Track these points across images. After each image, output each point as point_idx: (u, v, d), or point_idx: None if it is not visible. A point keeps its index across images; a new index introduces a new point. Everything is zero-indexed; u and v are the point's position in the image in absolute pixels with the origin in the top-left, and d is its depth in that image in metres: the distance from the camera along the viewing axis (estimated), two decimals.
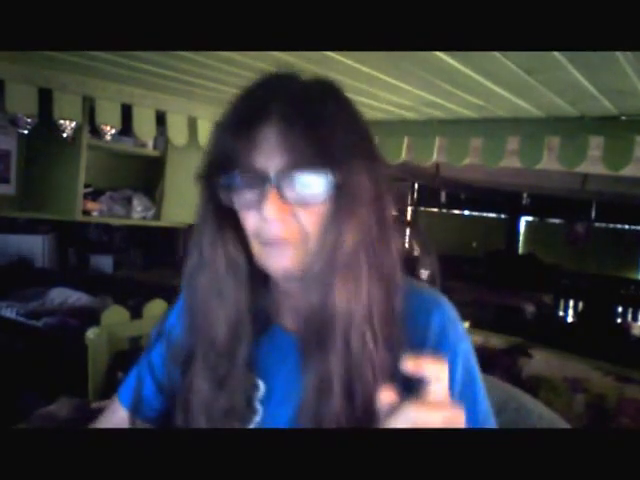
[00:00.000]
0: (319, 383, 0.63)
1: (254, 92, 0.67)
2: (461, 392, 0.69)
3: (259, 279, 0.71)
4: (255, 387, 0.71)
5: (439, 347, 0.68)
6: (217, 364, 0.69)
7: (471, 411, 0.66)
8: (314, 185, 0.61)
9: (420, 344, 0.67)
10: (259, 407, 0.72)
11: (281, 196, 0.62)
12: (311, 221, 0.63)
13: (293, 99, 0.63)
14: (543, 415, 1.13)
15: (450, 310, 0.73)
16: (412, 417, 0.52)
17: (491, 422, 0.73)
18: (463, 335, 0.72)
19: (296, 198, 0.62)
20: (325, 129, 0.60)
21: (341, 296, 0.62)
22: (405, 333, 0.66)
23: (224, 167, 0.66)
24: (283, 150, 0.61)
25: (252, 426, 0.71)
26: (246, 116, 0.64)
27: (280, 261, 0.65)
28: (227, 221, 0.70)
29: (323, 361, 0.63)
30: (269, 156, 0.62)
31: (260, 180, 0.63)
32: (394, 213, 0.66)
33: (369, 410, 0.60)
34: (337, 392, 0.63)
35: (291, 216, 0.63)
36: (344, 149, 0.61)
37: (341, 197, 0.61)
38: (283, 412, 0.70)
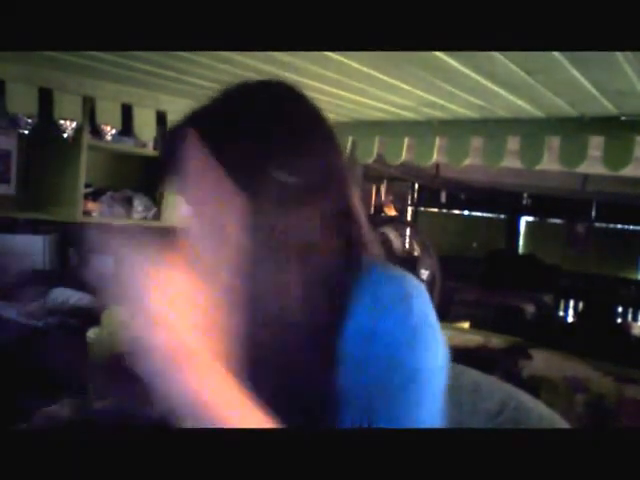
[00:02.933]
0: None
1: None
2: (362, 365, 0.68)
3: None
4: None
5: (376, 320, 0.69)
6: None
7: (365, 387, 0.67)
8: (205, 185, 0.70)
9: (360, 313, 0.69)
10: None
11: (187, 197, 0.75)
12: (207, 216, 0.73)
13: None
14: (543, 415, 1.13)
15: (407, 290, 0.71)
16: None
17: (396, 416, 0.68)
18: (408, 319, 0.70)
19: (197, 196, 0.73)
20: (215, 138, 0.70)
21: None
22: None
23: None
24: (185, 158, 0.72)
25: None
26: None
27: (197, 253, 0.75)
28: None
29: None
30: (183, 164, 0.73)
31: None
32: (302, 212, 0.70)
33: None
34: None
35: (198, 213, 0.74)
36: (232, 149, 0.69)
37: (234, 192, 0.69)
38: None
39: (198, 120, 0.73)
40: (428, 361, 0.69)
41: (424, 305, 0.71)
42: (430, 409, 0.69)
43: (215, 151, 0.69)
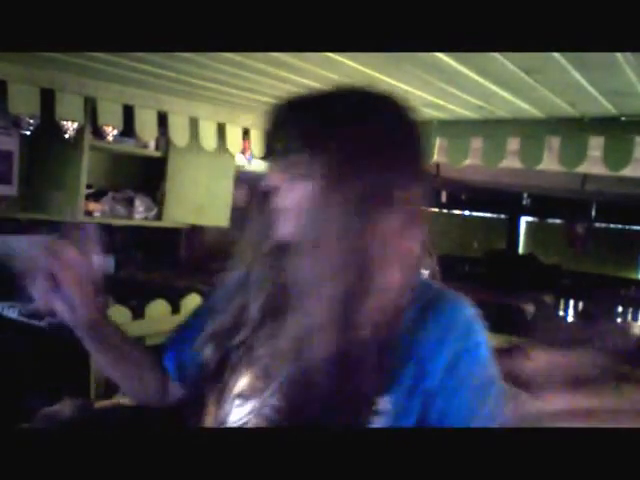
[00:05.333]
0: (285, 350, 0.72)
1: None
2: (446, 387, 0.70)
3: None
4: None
5: (458, 342, 0.71)
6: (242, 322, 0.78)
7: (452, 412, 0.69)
8: (297, 166, 0.72)
9: (440, 339, 0.71)
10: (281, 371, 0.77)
11: (276, 170, 0.75)
12: (291, 195, 0.74)
13: (310, 103, 0.77)
14: (543, 416, 1.14)
15: (472, 311, 0.75)
16: None
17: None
18: (478, 336, 0.74)
19: (285, 174, 0.74)
20: (325, 127, 0.72)
21: (303, 272, 0.71)
22: (407, 326, 0.70)
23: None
24: (283, 136, 0.75)
25: (274, 383, 0.76)
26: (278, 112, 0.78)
27: (281, 228, 0.75)
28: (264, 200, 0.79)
29: (286, 324, 0.72)
30: (277, 140, 0.76)
31: (268, 158, 0.77)
32: (398, 221, 0.71)
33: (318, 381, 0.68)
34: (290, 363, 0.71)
35: (283, 189, 0.74)
36: (331, 145, 0.70)
37: (319, 181, 0.70)
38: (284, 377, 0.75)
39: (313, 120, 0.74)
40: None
41: (482, 329, 0.75)
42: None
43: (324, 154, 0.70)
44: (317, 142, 0.71)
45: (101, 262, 0.85)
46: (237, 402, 0.77)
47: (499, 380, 0.73)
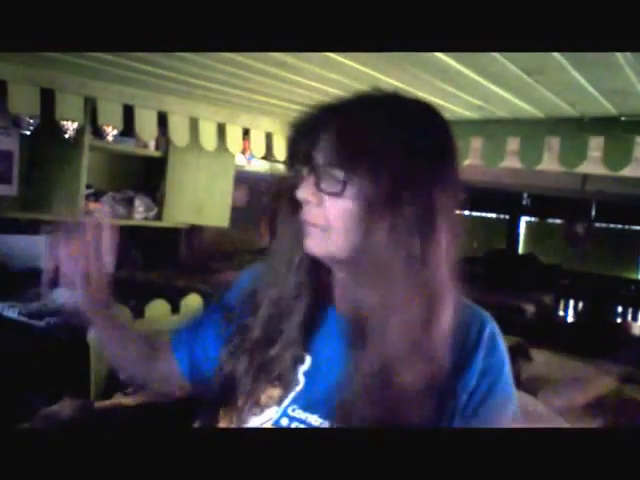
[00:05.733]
0: (356, 366, 0.70)
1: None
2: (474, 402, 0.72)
3: (320, 267, 0.78)
4: (301, 359, 0.77)
5: (483, 361, 0.73)
6: (268, 331, 0.78)
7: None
8: (339, 181, 0.69)
9: (466, 357, 0.72)
10: (302, 378, 0.77)
11: (312, 183, 0.71)
12: (334, 212, 0.70)
13: (347, 111, 0.74)
14: (542, 414, 1.14)
15: (495, 327, 0.77)
16: None
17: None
18: (502, 354, 0.76)
19: (323, 188, 0.70)
20: (359, 140, 0.69)
21: (371, 292, 0.69)
22: (451, 345, 0.70)
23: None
24: (321, 149, 0.71)
25: (292, 394, 0.76)
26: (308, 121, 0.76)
27: (309, 242, 0.73)
28: (293, 209, 0.77)
29: (359, 348, 0.70)
30: (313, 152, 0.72)
31: (301, 170, 0.73)
32: (448, 233, 0.70)
33: (397, 404, 0.67)
34: (367, 379, 0.68)
35: (319, 203, 0.71)
36: (375, 159, 0.68)
37: (364, 199, 0.68)
38: (322, 387, 0.74)
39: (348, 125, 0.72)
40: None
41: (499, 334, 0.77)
42: None
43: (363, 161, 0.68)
44: (356, 158, 0.68)
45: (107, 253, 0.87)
46: (254, 411, 0.77)
47: (515, 397, 0.75)
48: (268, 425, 0.75)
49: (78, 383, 1.92)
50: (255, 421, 0.76)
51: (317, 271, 0.76)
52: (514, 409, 0.74)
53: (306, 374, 0.77)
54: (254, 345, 0.78)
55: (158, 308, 2.32)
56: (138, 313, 2.25)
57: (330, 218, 0.71)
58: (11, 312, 2.39)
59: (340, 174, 0.69)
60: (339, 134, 0.70)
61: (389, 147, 0.69)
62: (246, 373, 0.77)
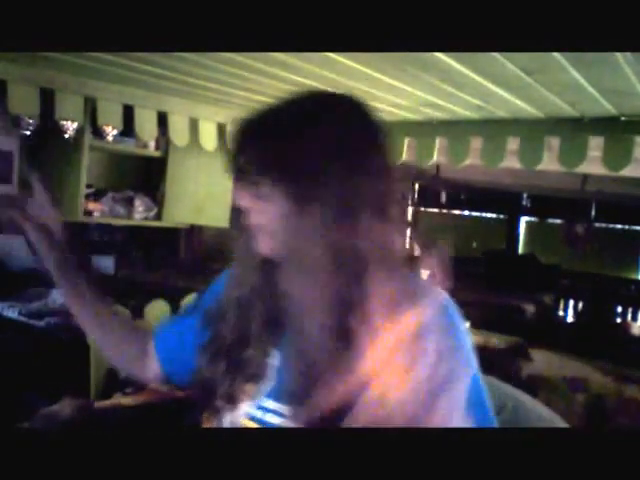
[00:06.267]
0: (287, 360, 0.76)
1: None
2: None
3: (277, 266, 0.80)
4: (271, 355, 0.80)
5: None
6: (238, 331, 0.81)
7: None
8: (263, 185, 0.73)
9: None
10: (273, 373, 0.80)
11: (243, 190, 0.76)
12: (266, 214, 0.75)
13: (265, 118, 0.77)
14: (542, 415, 1.14)
15: (447, 307, 0.76)
16: None
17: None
18: (455, 334, 0.75)
19: (252, 193, 0.75)
20: (277, 145, 0.73)
21: (292, 286, 0.73)
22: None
23: None
24: (242, 157, 0.76)
25: (265, 388, 0.79)
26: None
27: (257, 244, 0.77)
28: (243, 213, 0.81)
29: (290, 342, 0.75)
30: (238, 161, 0.77)
31: (234, 178, 0.78)
32: (376, 225, 0.72)
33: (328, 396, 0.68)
34: (298, 369, 0.72)
35: (254, 207, 0.76)
36: (292, 162, 0.72)
37: (288, 200, 0.72)
38: (292, 378, 0.75)
39: (266, 128, 0.76)
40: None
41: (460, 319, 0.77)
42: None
43: (281, 161, 0.72)
44: (273, 161, 0.72)
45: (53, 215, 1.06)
46: (230, 407, 0.80)
47: (476, 374, 0.75)
48: (244, 418, 0.78)
49: (78, 383, 1.92)
50: (231, 416, 0.79)
51: (274, 269, 0.78)
52: (483, 397, 0.76)
53: (276, 368, 0.79)
54: (226, 345, 0.81)
55: (158, 308, 2.32)
56: (138, 313, 2.25)
57: (264, 220, 0.75)
58: (11, 312, 2.39)
59: (262, 179, 0.73)
60: (256, 141, 0.75)
61: (304, 149, 0.72)
62: (221, 372, 0.80)
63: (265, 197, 0.73)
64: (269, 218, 0.74)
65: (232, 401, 0.79)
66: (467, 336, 0.76)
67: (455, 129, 1.90)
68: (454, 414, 0.70)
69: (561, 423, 1.15)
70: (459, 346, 0.74)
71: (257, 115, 0.77)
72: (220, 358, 0.81)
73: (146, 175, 2.83)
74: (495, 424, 0.77)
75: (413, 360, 0.69)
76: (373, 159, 0.74)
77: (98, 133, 2.36)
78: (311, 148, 0.71)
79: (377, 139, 0.76)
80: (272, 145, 0.73)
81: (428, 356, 0.69)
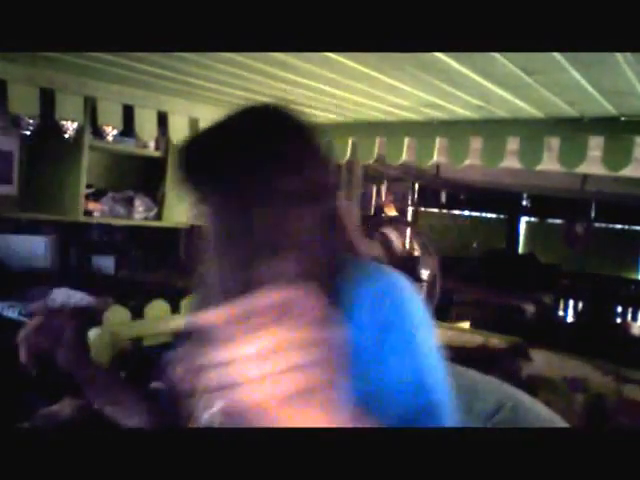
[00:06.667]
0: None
1: None
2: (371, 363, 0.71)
3: None
4: None
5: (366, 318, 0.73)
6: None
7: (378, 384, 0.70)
8: (194, 194, 0.85)
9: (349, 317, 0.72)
10: None
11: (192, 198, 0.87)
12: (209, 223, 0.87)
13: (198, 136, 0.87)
14: (541, 414, 1.14)
15: (387, 283, 0.77)
16: None
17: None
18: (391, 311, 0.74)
19: (194, 203, 0.87)
20: (195, 159, 0.83)
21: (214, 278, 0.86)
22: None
23: None
24: (185, 172, 0.86)
25: None
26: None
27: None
28: None
29: None
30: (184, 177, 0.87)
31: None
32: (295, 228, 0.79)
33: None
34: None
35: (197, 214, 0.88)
36: (203, 175, 0.83)
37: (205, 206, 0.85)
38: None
39: (205, 143, 0.84)
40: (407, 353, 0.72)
41: (402, 297, 0.76)
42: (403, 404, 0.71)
43: (220, 169, 0.80)
44: (200, 177, 0.83)
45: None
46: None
47: (432, 354, 0.74)
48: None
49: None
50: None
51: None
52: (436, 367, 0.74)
53: None
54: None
55: (158, 308, 2.32)
56: (138, 313, 2.25)
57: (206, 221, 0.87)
58: (11, 312, 2.39)
59: (197, 192, 0.85)
60: (187, 159, 0.84)
61: (228, 162, 0.80)
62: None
63: (201, 204, 0.85)
64: (206, 219, 0.86)
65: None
66: (415, 318, 0.75)
67: (455, 129, 1.90)
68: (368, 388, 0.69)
69: (560, 422, 1.15)
70: (393, 323, 0.73)
71: (195, 135, 0.87)
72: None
73: (146, 175, 2.83)
74: (451, 415, 0.73)
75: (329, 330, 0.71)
76: (301, 158, 0.81)
77: (98, 133, 2.36)
78: (234, 163, 0.79)
79: (305, 141, 0.83)
80: (201, 161, 0.82)
81: (351, 329, 0.70)
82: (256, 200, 0.78)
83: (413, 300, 0.76)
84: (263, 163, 0.79)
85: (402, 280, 0.77)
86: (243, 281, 0.77)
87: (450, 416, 0.72)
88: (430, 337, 0.75)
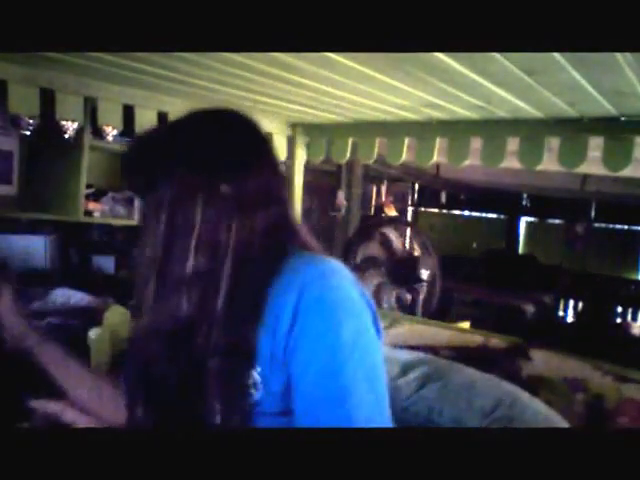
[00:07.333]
0: None
1: None
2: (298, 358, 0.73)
3: None
4: None
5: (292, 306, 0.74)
6: None
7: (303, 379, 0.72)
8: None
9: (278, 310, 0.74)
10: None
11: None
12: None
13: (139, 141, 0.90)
14: (539, 411, 1.14)
15: (317, 267, 0.78)
16: None
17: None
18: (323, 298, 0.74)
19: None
20: (138, 159, 0.86)
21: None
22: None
23: None
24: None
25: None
26: None
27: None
28: None
29: None
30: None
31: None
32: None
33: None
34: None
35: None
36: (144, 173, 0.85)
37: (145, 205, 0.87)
38: None
39: (156, 147, 0.86)
40: (349, 333, 0.73)
41: (340, 281, 0.76)
42: (356, 380, 0.71)
43: (171, 171, 0.81)
44: (137, 178, 0.86)
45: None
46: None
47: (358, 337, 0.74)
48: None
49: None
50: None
51: None
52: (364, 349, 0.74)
53: None
54: None
55: None
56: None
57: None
58: None
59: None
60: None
61: (165, 163, 0.82)
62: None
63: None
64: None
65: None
66: (350, 307, 0.75)
67: (455, 129, 1.90)
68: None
69: (558, 419, 1.15)
70: (323, 309, 0.73)
71: (138, 137, 0.91)
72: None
73: None
74: (381, 407, 0.73)
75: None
76: (250, 161, 0.83)
77: (98, 133, 2.36)
78: (198, 158, 0.81)
79: (254, 145, 0.86)
80: (139, 165, 0.85)
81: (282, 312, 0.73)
82: (188, 201, 0.80)
83: (341, 287, 0.76)
84: (200, 166, 0.81)
85: (336, 267, 0.78)
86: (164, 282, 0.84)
87: (368, 404, 0.71)
88: (356, 324, 0.74)
